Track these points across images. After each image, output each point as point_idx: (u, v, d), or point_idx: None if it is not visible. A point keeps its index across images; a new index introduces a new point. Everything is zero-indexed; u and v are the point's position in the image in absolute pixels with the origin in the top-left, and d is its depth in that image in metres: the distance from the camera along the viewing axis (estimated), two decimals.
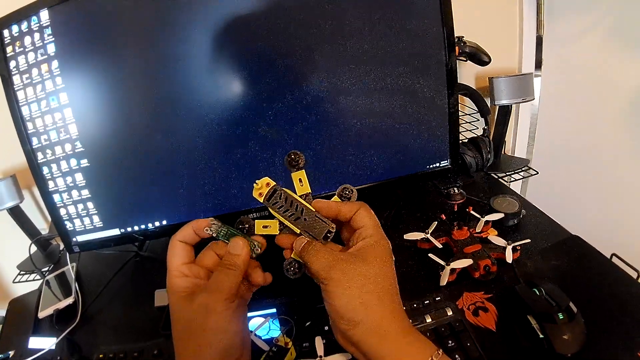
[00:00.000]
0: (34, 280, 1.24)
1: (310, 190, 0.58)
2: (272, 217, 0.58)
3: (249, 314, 0.80)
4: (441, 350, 0.50)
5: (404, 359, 0.49)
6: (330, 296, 0.51)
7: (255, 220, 0.58)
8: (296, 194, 0.58)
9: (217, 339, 0.50)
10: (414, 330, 0.52)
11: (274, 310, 0.82)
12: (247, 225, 0.58)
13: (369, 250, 0.53)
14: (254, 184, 0.57)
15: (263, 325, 0.79)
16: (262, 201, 0.56)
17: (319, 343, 0.71)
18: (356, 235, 0.56)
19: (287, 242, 0.58)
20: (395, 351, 0.49)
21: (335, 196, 0.59)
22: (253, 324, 0.79)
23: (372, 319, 0.50)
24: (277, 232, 0.58)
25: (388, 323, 0.50)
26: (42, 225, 1.45)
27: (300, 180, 0.58)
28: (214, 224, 0.58)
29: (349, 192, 0.59)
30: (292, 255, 0.56)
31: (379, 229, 0.56)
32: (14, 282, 1.26)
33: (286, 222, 0.56)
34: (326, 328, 0.77)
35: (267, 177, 0.57)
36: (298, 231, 0.56)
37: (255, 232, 0.58)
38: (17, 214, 1.26)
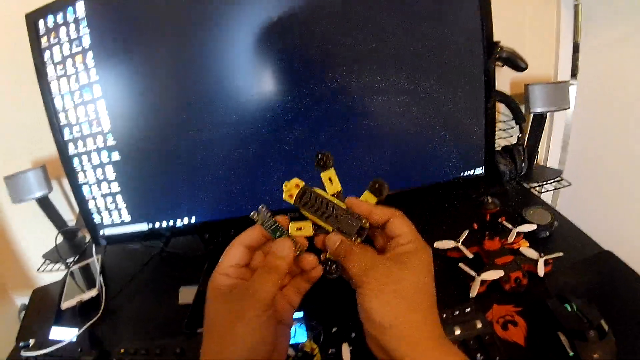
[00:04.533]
0: (58, 270, 1.25)
1: (341, 188, 0.56)
2: (304, 218, 0.56)
3: None
4: None
5: None
6: (362, 299, 0.50)
7: (290, 223, 0.57)
8: (327, 192, 0.56)
9: (242, 342, 0.49)
10: (447, 342, 0.50)
11: (302, 314, 0.81)
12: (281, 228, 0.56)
13: (407, 257, 0.51)
14: (283, 186, 0.55)
15: None
16: (292, 203, 0.55)
17: (346, 350, 0.70)
18: (393, 243, 0.53)
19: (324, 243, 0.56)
20: None
21: (367, 191, 0.57)
22: None
23: (403, 325, 0.48)
24: (311, 234, 0.56)
25: (419, 332, 0.49)
26: (70, 217, 1.47)
27: (330, 179, 0.56)
28: (262, 211, 0.55)
29: (380, 186, 0.56)
30: (327, 255, 0.55)
31: (418, 236, 0.54)
32: (38, 271, 1.27)
33: (318, 221, 0.55)
34: (353, 335, 0.76)
35: (296, 178, 0.55)
36: (331, 229, 0.54)
37: (290, 234, 0.57)
38: (45, 204, 1.27)
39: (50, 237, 1.27)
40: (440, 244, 0.93)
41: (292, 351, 0.70)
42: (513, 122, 1.29)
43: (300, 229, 0.56)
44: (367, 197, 0.56)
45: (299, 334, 0.78)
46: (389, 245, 0.54)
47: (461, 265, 0.87)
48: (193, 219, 0.91)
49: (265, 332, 0.50)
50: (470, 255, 0.91)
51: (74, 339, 0.88)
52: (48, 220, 1.30)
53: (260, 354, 0.50)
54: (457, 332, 0.74)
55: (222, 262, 0.54)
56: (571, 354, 0.68)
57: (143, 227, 0.93)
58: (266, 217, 0.55)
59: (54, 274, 1.24)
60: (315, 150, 0.56)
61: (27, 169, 1.21)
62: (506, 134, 1.32)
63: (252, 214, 0.55)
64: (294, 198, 0.54)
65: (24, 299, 1.53)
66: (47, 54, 0.85)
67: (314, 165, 0.56)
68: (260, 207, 0.55)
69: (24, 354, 0.87)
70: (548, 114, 1.33)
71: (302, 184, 0.55)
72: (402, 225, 0.54)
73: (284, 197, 0.55)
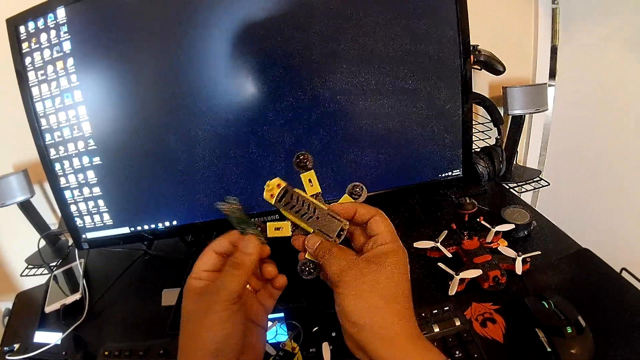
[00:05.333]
0: (41, 274, 1.25)
1: (320, 190, 0.57)
2: (284, 218, 0.57)
3: None
4: None
5: None
6: (339, 298, 0.51)
7: (267, 223, 0.57)
8: (307, 194, 0.57)
9: (210, 337, 0.50)
10: (423, 339, 0.52)
11: (282, 314, 0.82)
12: (259, 229, 0.57)
13: (384, 257, 0.53)
14: (265, 186, 0.56)
15: (270, 329, 0.79)
16: (273, 203, 0.55)
17: (326, 349, 0.71)
18: (371, 242, 0.55)
19: (302, 244, 0.57)
20: (401, 358, 0.48)
21: (346, 194, 0.58)
22: None
23: (378, 323, 0.49)
24: (290, 234, 0.57)
25: (395, 329, 0.50)
26: (52, 220, 1.46)
27: (310, 180, 0.57)
28: (230, 202, 0.56)
29: (359, 189, 0.58)
30: (306, 256, 0.56)
31: (396, 236, 0.56)
32: (21, 275, 1.27)
33: (299, 222, 0.56)
34: (333, 334, 0.77)
35: (277, 178, 0.56)
36: (311, 230, 0.55)
37: (268, 235, 0.57)
38: (27, 208, 1.27)
39: (33, 241, 1.27)
40: (420, 244, 0.95)
41: (273, 350, 0.71)
42: (492, 124, 1.31)
43: (279, 228, 0.57)
44: (346, 200, 0.57)
45: (279, 334, 0.80)
46: (367, 245, 0.56)
47: (440, 264, 0.88)
48: (175, 222, 0.92)
49: (232, 326, 0.51)
50: (450, 255, 0.93)
51: (59, 342, 0.88)
52: (30, 224, 1.30)
53: (229, 348, 0.51)
54: (436, 329, 0.76)
55: (195, 267, 0.55)
56: (549, 349, 0.69)
57: (125, 230, 0.93)
58: (233, 209, 0.56)
59: (37, 278, 1.23)
60: (295, 151, 0.56)
61: (8, 173, 1.21)
62: (485, 136, 1.34)
63: (218, 203, 0.55)
64: (275, 198, 0.55)
65: (7, 304, 1.51)
66: (28, 59, 0.84)
67: (293, 166, 0.57)
68: (228, 197, 0.56)
69: (9, 358, 0.87)
70: (527, 115, 1.35)
71: (284, 184, 0.55)
72: (381, 225, 0.55)
73: (264, 197, 0.55)
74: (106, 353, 0.83)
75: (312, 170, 0.57)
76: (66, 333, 0.90)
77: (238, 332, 0.52)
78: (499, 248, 0.93)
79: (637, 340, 0.72)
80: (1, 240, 1.58)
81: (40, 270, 1.26)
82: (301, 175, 0.57)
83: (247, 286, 0.60)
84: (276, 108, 0.85)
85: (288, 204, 0.55)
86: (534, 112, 1.33)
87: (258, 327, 0.59)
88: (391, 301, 0.51)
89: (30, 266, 1.29)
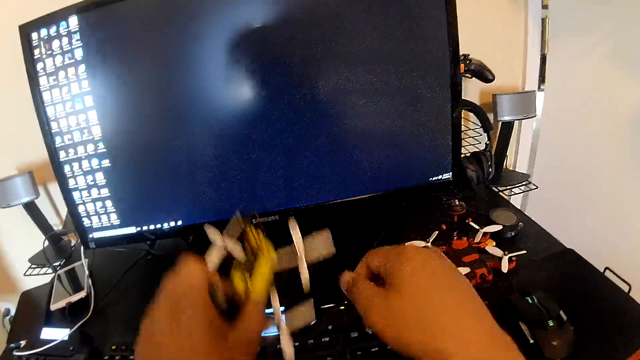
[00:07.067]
0: (45, 274, 1.26)
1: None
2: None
3: None
4: None
5: None
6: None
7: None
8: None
9: None
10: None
11: None
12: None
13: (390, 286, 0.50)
14: None
15: None
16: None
17: None
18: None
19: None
20: None
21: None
22: None
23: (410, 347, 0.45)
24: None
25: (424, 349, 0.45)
26: (55, 221, 1.48)
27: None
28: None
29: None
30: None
31: (389, 252, 0.52)
32: (25, 275, 1.28)
33: None
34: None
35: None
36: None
37: None
38: (32, 209, 1.29)
39: (34, 241, 1.29)
40: (412, 244, 0.99)
41: None
42: (482, 130, 1.35)
43: None
44: None
45: None
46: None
47: None
48: (180, 222, 0.96)
49: None
50: None
51: (66, 338, 0.90)
52: (31, 225, 1.31)
53: None
54: None
55: None
56: (531, 341, 0.73)
57: (131, 230, 0.96)
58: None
59: (39, 279, 1.24)
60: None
61: (15, 175, 1.24)
62: (475, 141, 1.38)
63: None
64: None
65: (7, 304, 1.53)
66: (40, 65, 0.87)
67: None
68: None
69: (16, 354, 0.88)
70: (516, 121, 1.40)
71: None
72: (373, 260, 0.54)
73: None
74: (114, 347, 0.85)
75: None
76: (74, 329, 0.91)
77: None
78: (486, 248, 0.96)
79: (616, 336, 0.75)
80: (3, 240, 1.59)
81: (43, 270, 1.27)
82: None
83: None
84: (272, 115, 0.89)
85: None
86: (522, 119, 1.38)
87: None
88: (408, 330, 0.46)
89: (33, 266, 1.30)
